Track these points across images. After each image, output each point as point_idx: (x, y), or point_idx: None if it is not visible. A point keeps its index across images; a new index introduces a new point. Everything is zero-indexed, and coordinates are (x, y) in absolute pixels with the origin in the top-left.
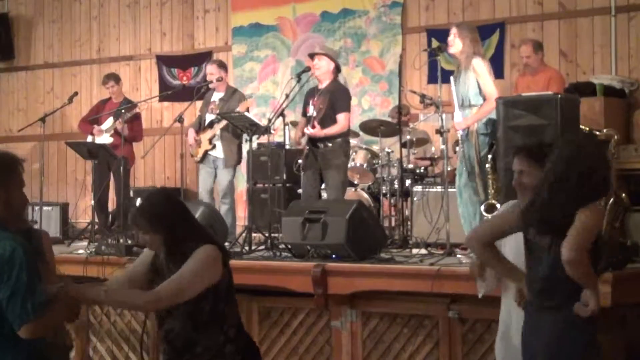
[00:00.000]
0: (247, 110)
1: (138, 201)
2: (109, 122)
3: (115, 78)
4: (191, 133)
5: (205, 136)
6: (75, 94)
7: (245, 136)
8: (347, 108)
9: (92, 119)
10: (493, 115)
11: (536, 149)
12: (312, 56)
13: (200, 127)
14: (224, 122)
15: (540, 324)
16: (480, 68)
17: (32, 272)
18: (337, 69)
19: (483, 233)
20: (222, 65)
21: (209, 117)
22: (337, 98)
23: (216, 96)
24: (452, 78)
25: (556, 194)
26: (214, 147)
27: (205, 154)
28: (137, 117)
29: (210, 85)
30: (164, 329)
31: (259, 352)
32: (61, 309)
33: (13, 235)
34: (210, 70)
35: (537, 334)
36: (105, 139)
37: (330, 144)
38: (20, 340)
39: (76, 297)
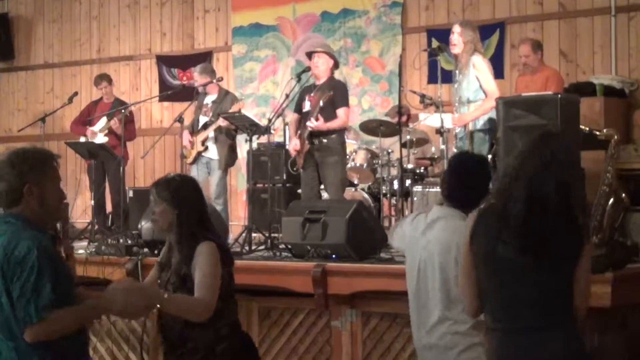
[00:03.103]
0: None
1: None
2: (101, 123)
3: (107, 79)
4: (186, 135)
5: (198, 138)
6: (75, 94)
7: (239, 138)
8: (346, 103)
9: (86, 120)
10: (493, 114)
11: None
12: (309, 55)
13: (194, 129)
14: (216, 124)
15: (528, 346)
16: (480, 64)
17: (44, 274)
18: (336, 66)
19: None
20: (205, 71)
21: (202, 120)
22: (336, 93)
23: (209, 99)
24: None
25: (544, 209)
26: (206, 148)
27: (198, 155)
28: (131, 117)
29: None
30: (161, 322)
31: (256, 352)
32: (74, 313)
33: (36, 235)
34: (195, 78)
35: (525, 356)
36: (99, 139)
37: (325, 140)
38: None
39: (139, 294)
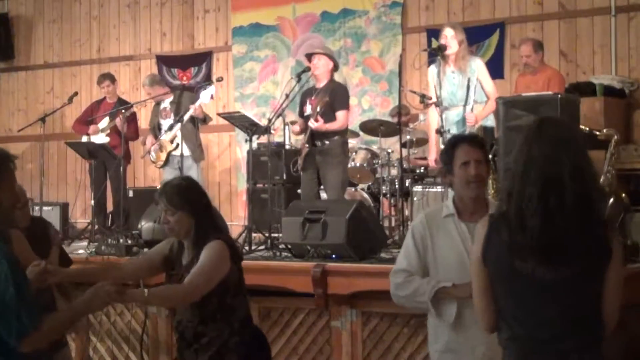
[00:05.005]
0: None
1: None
2: (104, 122)
3: (110, 78)
4: (149, 139)
5: (166, 138)
6: (75, 94)
7: (239, 138)
8: (346, 106)
9: (88, 120)
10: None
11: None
12: (309, 56)
13: (156, 135)
14: (189, 114)
15: None
16: (483, 68)
17: (20, 282)
18: (335, 68)
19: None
20: (154, 82)
21: (165, 123)
22: (336, 96)
23: (166, 102)
24: (434, 73)
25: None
26: (177, 146)
27: (169, 155)
28: (133, 117)
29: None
30: (175, 320)
31: (267, 345)
32: (64, 316)
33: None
34: (148, 92)
35: None
36: (101, 139)
37: (327, 142)
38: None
39: (119, 299)
